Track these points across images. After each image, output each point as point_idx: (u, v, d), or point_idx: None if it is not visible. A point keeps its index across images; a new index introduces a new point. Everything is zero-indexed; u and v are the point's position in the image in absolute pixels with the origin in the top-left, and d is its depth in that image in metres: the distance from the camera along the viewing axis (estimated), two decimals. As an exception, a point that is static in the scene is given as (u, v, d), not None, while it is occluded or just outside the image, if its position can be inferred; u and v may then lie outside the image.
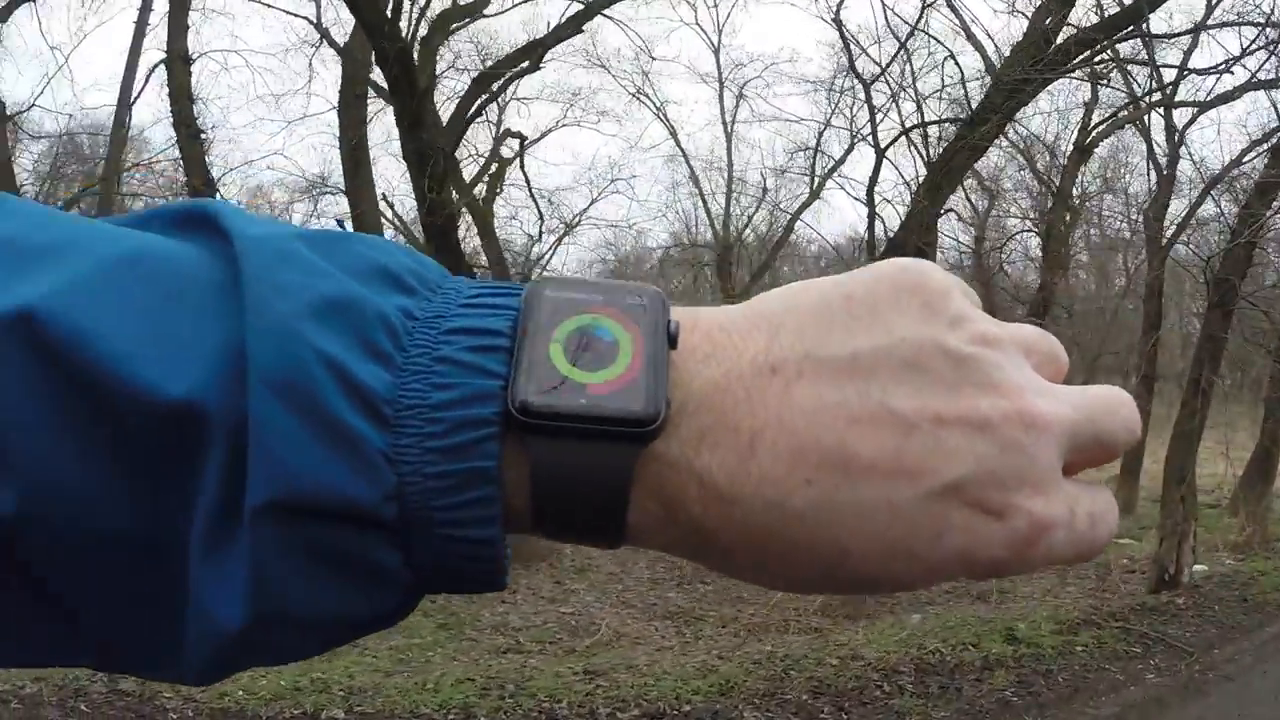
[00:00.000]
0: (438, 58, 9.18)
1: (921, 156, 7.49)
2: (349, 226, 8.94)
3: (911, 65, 7.83)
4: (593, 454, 0.28)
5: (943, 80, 7.79)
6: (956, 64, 7.86)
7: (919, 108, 7.62)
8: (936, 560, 0.29)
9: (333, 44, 9.82)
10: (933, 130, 8.22)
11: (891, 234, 7.96)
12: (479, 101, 8.80)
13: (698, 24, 13.40)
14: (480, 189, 10.74)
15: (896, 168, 8.90)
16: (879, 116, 7.74)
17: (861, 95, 8.12)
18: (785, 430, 0.28)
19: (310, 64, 10.85)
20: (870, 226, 7.52)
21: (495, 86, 9.27)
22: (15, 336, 0.26)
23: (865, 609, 7.30)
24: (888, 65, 7.60)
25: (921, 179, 7.85)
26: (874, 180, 7.39)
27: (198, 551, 0.27)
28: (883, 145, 8.01)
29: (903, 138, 7.86)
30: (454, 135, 8.69)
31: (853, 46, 7.72)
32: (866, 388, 0.29)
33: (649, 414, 0.28)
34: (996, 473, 0.28)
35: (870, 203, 7.42)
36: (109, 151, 9.91)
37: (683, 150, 12.57)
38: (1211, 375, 7.45)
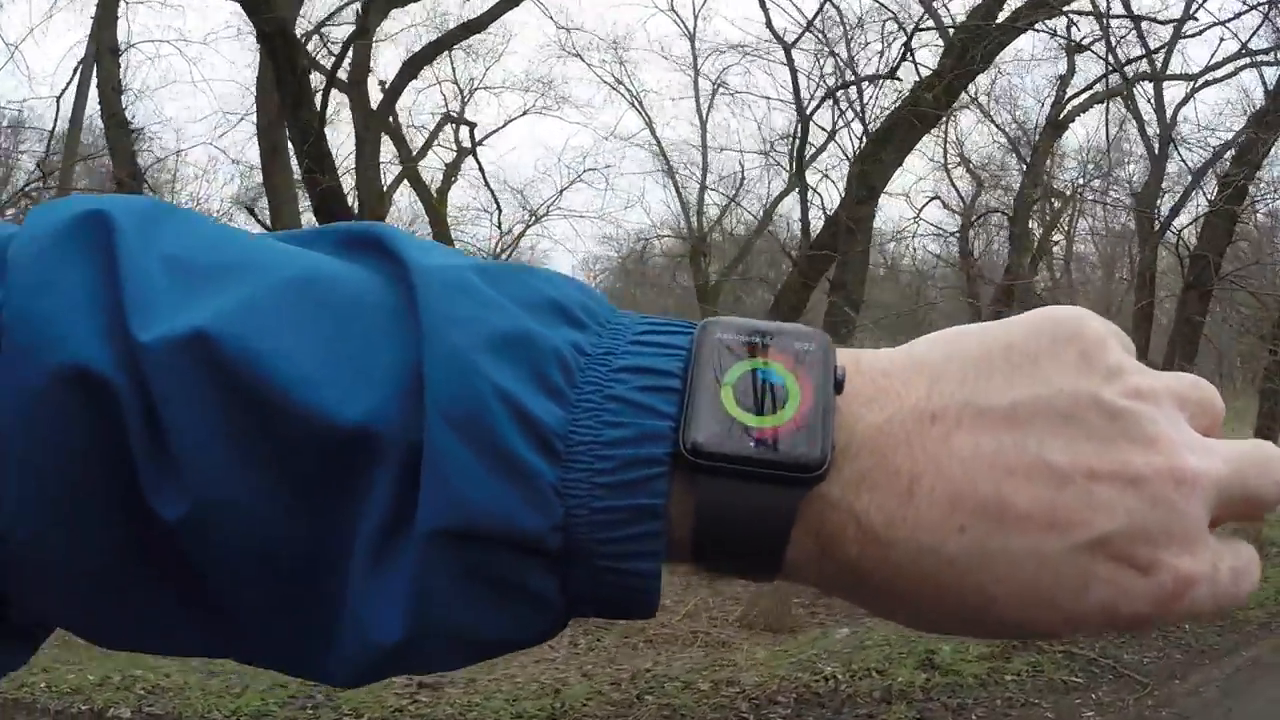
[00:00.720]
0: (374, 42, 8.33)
1: (862, 123, 6.36)
2: (267, 213, 8.24)
3: (844, 24, 6.70)
4: (759, 496, 0.27)
5: (884, 45, 6.64)
6: (899, 26, 6.71)
7: (851, 68, 6.49)
8: (1079, 612, 0.28)
9: (293, 43, 9.08)
10: (885, 105, 7.05)
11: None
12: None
13: (673, 10, 12.11)
14: (434, 179, 9.93)
15: (839, 144, 7.77)
16: (813, 83, 6.66)
17: (842, 81, 7.01)
18: (943, 477, 0.28)
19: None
20: (803, 202, 6.43)
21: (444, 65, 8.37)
22: (190, 356, 0.25)
23: (791, 621, 6.21)
24: (811, 21, 6.50)
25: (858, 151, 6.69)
26: (801, 150, 6.31)
27: (361, 567, 0.27)
28: (838, 120, 6.90)
29: (845, 110, 6.75)
30: (381, 117, 7.85)
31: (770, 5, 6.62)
32: (1023, 439, 0.28)
33: (815, 460, 0.27)
34: (1146, 528, 0.27)
35: (800, 175, 6.33)
36: (65, 143, 9.36)
37: (657, 140, 11.56)
38: (1185, 363, 6.16)
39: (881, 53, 6.82)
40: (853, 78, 6.35)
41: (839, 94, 6.45)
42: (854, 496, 0.27)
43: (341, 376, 0.26)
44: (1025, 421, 0.28)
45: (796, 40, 6.59)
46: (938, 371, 0.29)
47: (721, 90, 10.43)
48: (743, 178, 11.25)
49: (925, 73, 6.83)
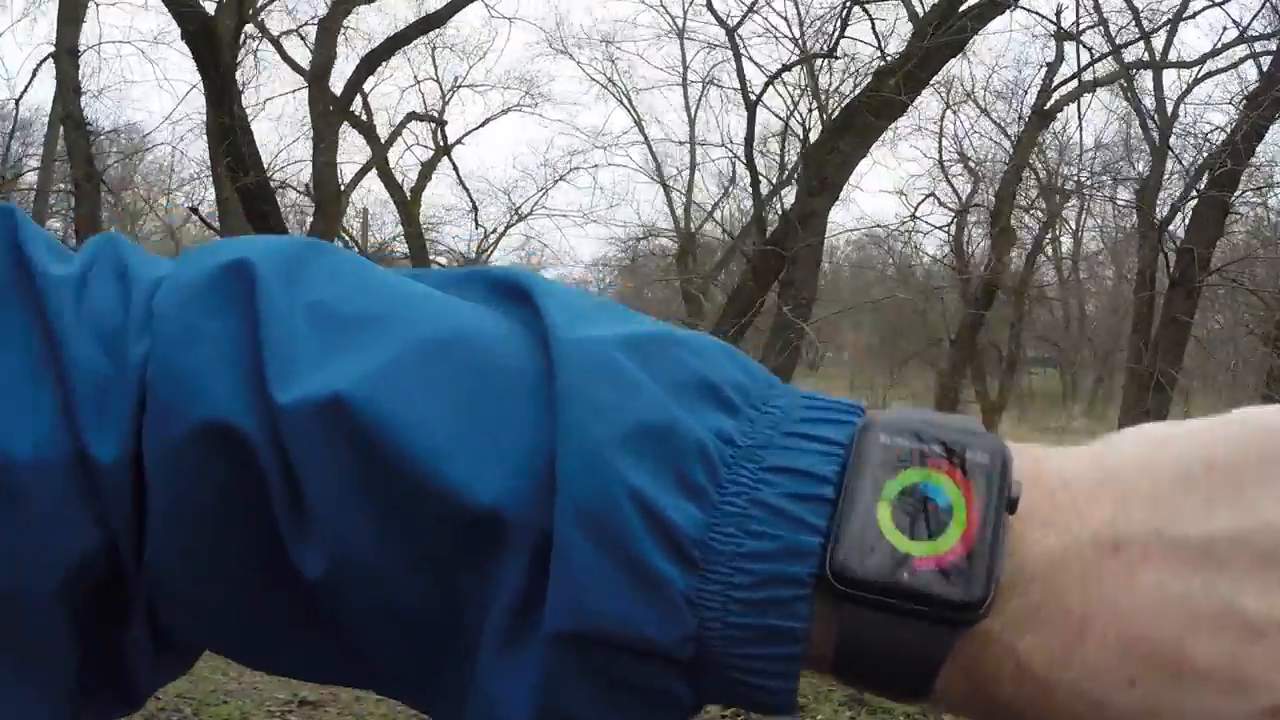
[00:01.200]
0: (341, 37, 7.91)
1: (818, 106, 5.71)
2: (215, 210, 7.84)
3: (798, 7, 6.03)
4: (909, 633, 0.25)
5: (842, 22, 5.95)
6: (865, 10, 6.04)
7: (801, 49, 5.81)
8: None
9: (267, 34, 8.71)
10: (846, 92, 6.37)
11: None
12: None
13: (662, 5, 11.41)
14: (407, 178, 9.49)
15: (796, 134, 7.08)
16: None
17: (785, 63, 6.38)
18: (1119, 620, 0.24)
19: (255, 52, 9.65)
20: (755, 193, 5.81)
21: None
22: (326, 421, 0.25)
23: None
24: (755, 2, 5.85)
25: (814, 140, 6.04)
26: (750, 139, 5.70)
27: (490, 646, 0.26)
28: (790, 104, 6.24)
29: (806, 97, 6.10)
30: (340, 113, 7.43)
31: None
32: (1215, 580, 0.24)
33: (976, 599, 0.24)
34: None
35: (750, 165, 5.73)
36: (45, 143, 9.15)
37: (646, 138, 10.98)
38: (1170, 369, 5.41)
39: (833, 34, 6.17)
40: (796, 58, 5.71)
41: (782, 78, 5.82)
42: (1015, 635, 0.24)
43: (475, 452, 0.25)
44: (1221, 560, 0.24)
45: (740, 23, 5.98)
46: (1127, 488, 0.25)
47: (713, 84, 9.80)
48: (734, 175, 10.61)
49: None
